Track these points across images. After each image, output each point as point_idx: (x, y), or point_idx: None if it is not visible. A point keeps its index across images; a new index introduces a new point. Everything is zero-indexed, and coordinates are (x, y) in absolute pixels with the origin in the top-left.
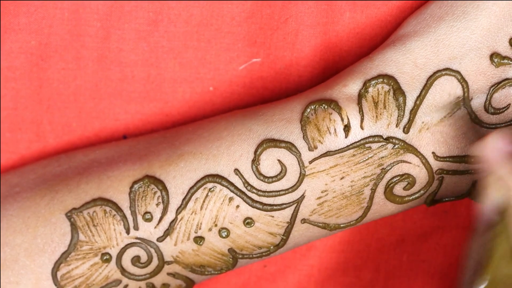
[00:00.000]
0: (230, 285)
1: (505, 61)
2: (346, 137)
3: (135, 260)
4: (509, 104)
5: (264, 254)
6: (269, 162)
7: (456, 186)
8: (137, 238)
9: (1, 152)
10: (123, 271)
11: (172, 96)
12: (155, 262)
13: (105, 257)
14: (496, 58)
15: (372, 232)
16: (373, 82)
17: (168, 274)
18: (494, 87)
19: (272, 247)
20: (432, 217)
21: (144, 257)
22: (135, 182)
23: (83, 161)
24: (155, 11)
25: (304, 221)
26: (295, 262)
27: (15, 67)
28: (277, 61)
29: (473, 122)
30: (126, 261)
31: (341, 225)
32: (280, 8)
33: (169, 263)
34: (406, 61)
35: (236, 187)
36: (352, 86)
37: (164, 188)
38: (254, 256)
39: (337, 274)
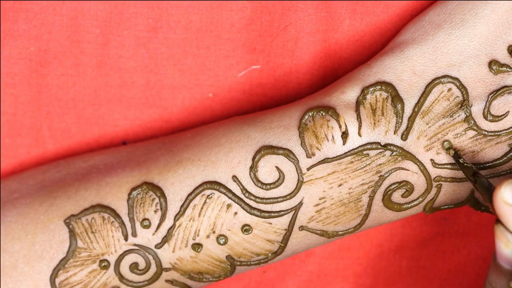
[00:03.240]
0: None
1: (504, 68)
2: (344, 144)
3: (133, 267)
4: (508, 111)
5: (262, 261)
6: (267, 169)
7: (454, 193)
8: (135, 244)
9: (0, 158)
10: (121, 278)
11: (171, 102)
12: (153, 269)
13: (103, 264)
14: (494, 65)
15: (372, 239)
16: (371, 89)
17: (166, 281)
18: (493, 94)
19: (270, 255)
20: (431, 223)
21: (142, 264)
22: (133, 189)
23: (82, 167)
24: (155, 18)
25: (302, 228)
26: (294, 268)
27: (14, 73)
28: (277, 68)
29: (472, 129)
30: (124, 268)
31: (339, 233)
32: (279, 15)
33: (167, 270)
34: (405, 69)
35: (234, 194)
36: (350, 93)
37: (162, 194)
38: (252, 263)
39: (337, 281)
